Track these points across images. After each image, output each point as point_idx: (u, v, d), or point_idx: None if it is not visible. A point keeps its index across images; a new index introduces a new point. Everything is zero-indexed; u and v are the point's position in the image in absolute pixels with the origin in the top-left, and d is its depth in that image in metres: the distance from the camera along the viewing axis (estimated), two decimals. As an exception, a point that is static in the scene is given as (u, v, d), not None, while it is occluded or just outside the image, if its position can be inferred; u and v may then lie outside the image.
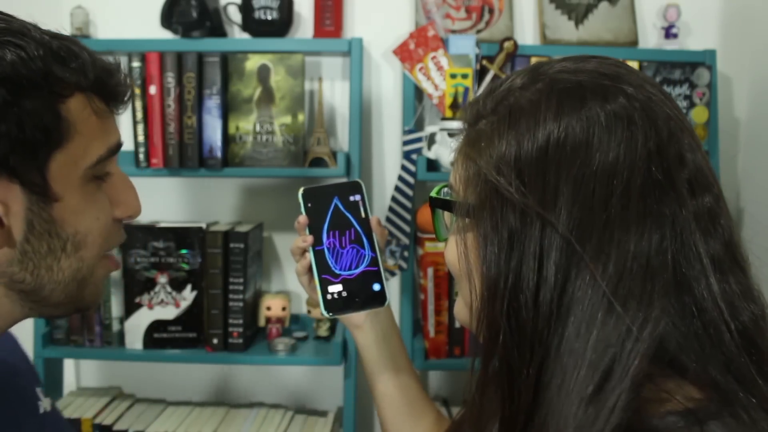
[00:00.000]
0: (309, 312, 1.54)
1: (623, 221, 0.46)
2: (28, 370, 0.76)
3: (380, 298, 0.78)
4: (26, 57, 0.53)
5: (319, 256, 0.77)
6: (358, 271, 0.77)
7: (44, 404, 0.73)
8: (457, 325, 1.47)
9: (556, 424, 0.45)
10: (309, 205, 0.78)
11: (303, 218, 0.77)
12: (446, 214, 0.60)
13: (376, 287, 0.78)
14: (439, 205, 0.59)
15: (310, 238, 0.77)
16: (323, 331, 1.53)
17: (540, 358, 0.48)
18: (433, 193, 0.61)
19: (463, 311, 0.60)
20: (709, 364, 0.47)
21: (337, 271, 0.77)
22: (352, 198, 0.79)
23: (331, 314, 0.76)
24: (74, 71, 0.56)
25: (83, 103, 0.57)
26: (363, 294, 0.77)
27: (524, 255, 0.48)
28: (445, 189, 0.60)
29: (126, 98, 0.63)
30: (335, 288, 0.76)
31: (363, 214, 0.79)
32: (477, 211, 0.51)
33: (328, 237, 0.77)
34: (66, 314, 0.65)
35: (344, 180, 0.80)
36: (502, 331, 0.49)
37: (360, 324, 0.81)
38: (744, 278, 0.50)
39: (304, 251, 0.78)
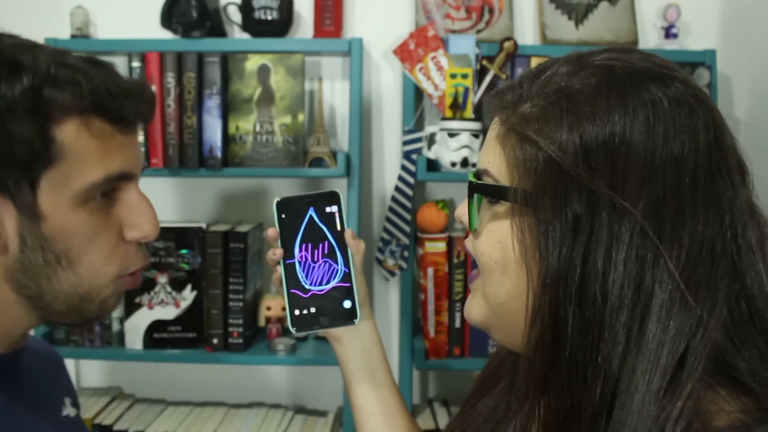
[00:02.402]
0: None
1: (693, 208, 0.46)
2: (59, 378, 0.80)
3: (350, 316, 0.74)
4: (17, 82, 0.55)
5: (289, 269, 0.74)
6: (329, 286, 0.74)
7: (68, 410, 0.76)
8: (458, 325, 1.47)
9: (633, 417, 0.44)
10: (283, 216, 0.75)
11: (272, 231, 0.75)
12: (484, 202, 0.56)
13: (347, 304, 0.74)
14: (485, 190, 0.54)
15: (279, 252, 0.74)
16: (323, 331, 1.53)
17: (610, 349, 0.46)
18: (471, 178, 0.56)
19: (479, 309, 0.58)
20: (760, 359, 0.47)
21: (307, 286, 0.74)
22: (328, 209, 0.75)
23: (297, 330, 0.73)
24: (68, 95, 0.57)
25: (78, 127, 0.58)
26: (333, 311, 0.74)
27: (592, 242, 0.47)
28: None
29: (137, 119, 0.64)
30: (304, 303, 0.74)
31: (338, 227, 0.75)
32: (536, 195, 0.49)
33: (300, 250, 0.74)
34: (73, 324, 0.68)
35: (323, 190, 0.76)
36: (569, 322, 0.47)
37: (339, 336, 0.78)
38: None
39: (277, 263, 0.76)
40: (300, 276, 0.74)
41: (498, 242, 0.54)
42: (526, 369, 0.52)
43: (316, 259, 0.74)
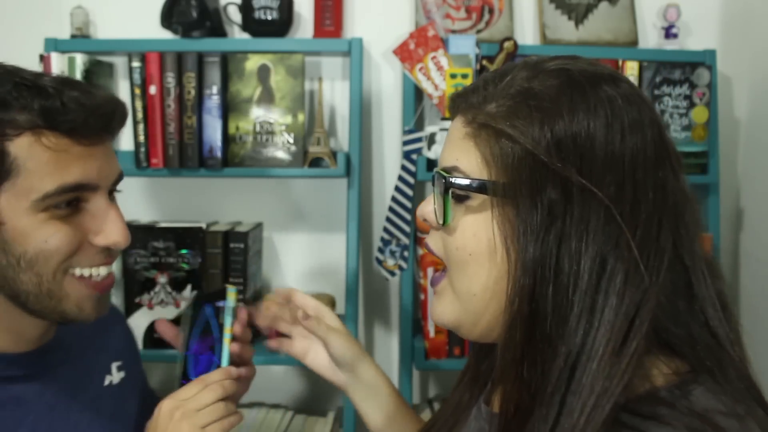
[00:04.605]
0: (309, 312, 1.54)
1: (645, 192, 0.52)
2: (110, 345, 0.88)
3: None
4: None
5: (185, 361, 0.80)
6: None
7: (113, 378, 0.85)
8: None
9: (589, 377, 0.50)
10: (191, 312, 0.81)
11: (162, 327, 0.85)
12: (453, 198, 0.58)
13: None
14: (465, 186, 0.56)
15: (179, 347, 0.81)
16: (323, 331, 1.53)
17: (576, 321, 0.51)
18: (443, 176, 0.58)
19: (450, 308, 0.60)
20: (690, 326, 0.54)
21: (192, 378, 0.78)
22: (219, 303, 0.82)
23: None
24: (17, 114, 0.63)
25: (31, 142, 0.64)
26: None
27: (566, 226, 0.51)
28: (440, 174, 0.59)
29: (92, 132, 0.68)
30: None
31: (220, 320, 0.81)
32: (514, 186, 0.53)
33: (194, 343, 0.80)
34: (61, 322, 0.74)
35: (218, 288, 0.83)
36: (547, 300, 0.52)
37: (343, 385, 0.85)
38: (707, 253, 0.57)
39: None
40: (190, 367, 0.80)
41: (473, 235, 0.56)
42: (504, 347, 0.55)
43: (202, 352, 0.81)
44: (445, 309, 0.61)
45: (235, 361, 0.81)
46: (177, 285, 1.45)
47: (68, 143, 0.66)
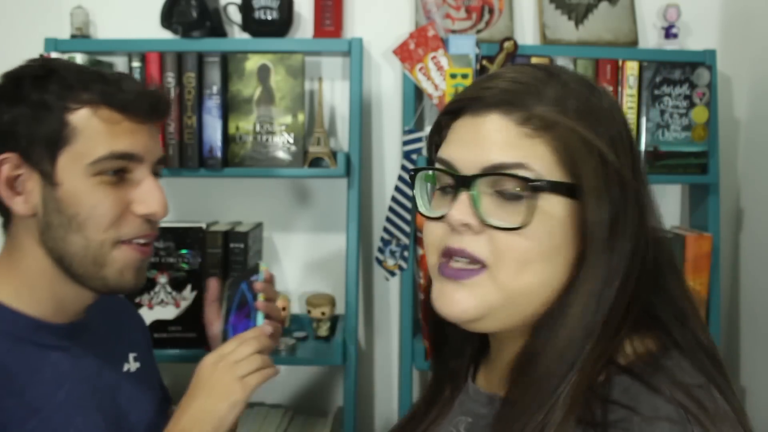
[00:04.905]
0: (309, 312, 1.54)
1: (637, 179, 0.60)
2: (128, 334, 0.96)
3: None
4: (48, 86, 0.76)
5: (224, 333, 0.90)
6: None
7: (129, 366, 0.92)
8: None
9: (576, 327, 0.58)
10: (229, 292, 0.93)
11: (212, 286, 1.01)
12: (514, 197, 0.58)
13: None
14: (557, 188, 0.58)
15: (220, 323, 0.93)
16: (323, 331, 1.53)
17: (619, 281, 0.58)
18: (529, 179, 0.58)
19: (482, 300, 0.59)
20: (658, 301, 0.61)
21: None
22: (252, 278, 0.91)
23: None
24: (81, 92, 0.76)
25: (89, 114, 0.76)
26: None
27: (622, 216, 0.58)
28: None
29: (141, 109, 0.79)
30: None
31: (253, 291, 0.90)
32: (592, 185, 0.57)
33: (233, 316, 0.90)
34: (102, 291, 0.81)
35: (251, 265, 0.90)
36: (621, 273, 0.58)
37: None
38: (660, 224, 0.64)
39: None
40: (228, 337, 0.89)
41: (547, 233, 0.58)
42: (581, 306, 0.58)
43: (239, 321, 0.89)
44: (471, 300, 0.59)
45: (267, 318, 0.89)
46: (177, 285, 1.45)
47: (120, 118, 0.77)
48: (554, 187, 0.57)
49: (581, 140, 0.57)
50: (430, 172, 0.64)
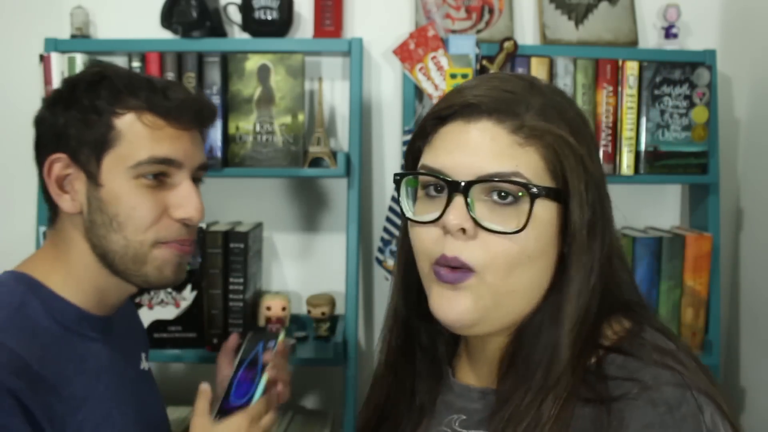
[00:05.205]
0: (309, 312, 1.54)
1: (603, 178, 0.65)
2: (138, 334, 1.01)
3: None
4: (99, 91, 0.79)
5: (231, 384, 0.91)
6: (241, 402, 0.88)
7: (144, 364, 0.96)
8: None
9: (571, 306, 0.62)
10: (246, 345, 0.97)
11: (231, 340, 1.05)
12: (523, 205, 0.60)
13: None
14: (550, 193, 0.61)
15: (231, 371, 0.94)
16: (323, 331, 1.53)
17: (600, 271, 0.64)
18: (528, 184, 0.60)
19: (475, 305, 0.61)
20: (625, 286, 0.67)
21: (231, 399, 0.89)
22: (270, 344, 0.95)
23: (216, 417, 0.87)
24: (128, 98, 0.79)
25: (134, 119, 0.79)
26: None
27: (601, 213, 0.63)
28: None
29: (183, 116, 0.82)
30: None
31: (265, 360, 0.93)
32: (578, 189, 0.61)
33: (242, 371, 0.93)
34: (143, 286, 0.85)
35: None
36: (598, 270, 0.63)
37: None
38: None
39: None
40: (232, 390, 0.90)
41: (536, 238, 0.60)
42: (575, 302, 0.62)
43: (245, 380, 0.91)
44: (468, 306, 0.61)
45: (270, 384, 0.91)
46: (177, 285, 1.45)
47: (162, 123, 0.80)
48: (548, 193, 0.60)
49: (568, 147, 0.60)
50: (413, 176, 0.66)
